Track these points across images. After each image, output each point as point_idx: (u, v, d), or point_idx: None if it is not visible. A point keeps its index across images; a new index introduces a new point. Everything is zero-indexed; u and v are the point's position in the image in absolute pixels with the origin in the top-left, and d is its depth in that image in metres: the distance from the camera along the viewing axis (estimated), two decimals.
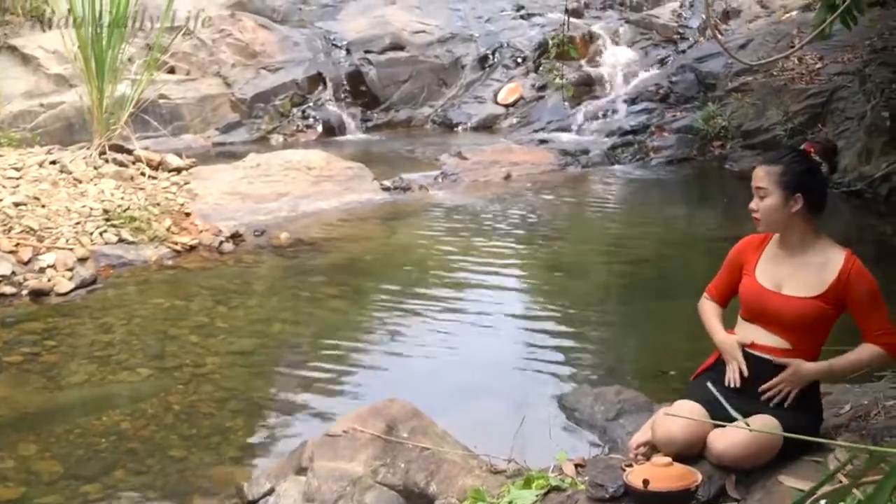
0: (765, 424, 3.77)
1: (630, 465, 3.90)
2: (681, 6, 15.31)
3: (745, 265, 4.13)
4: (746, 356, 3.99)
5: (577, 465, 4.12)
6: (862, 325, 3.90)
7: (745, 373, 3.94)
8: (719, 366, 4.07)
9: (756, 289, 4.02)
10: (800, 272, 3.95)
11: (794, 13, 13.87)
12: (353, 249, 8.53)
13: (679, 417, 3.85)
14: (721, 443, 3.78)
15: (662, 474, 3.61)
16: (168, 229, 8.37)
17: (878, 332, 3.87)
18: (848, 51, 11.72)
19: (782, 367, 3.90)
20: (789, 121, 11.28)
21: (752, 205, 3.97)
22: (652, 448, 4.06)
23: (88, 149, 9.51)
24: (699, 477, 3.65)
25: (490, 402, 5.57)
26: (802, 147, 4.06)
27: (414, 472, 4.16)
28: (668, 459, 3.73)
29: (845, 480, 3.29)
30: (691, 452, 3.85)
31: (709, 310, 4.23)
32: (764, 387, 3.88)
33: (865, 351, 3.89)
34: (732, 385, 3.96)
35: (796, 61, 12.07)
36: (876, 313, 3.88)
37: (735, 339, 4.04)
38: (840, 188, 10.16)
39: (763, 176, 3.93)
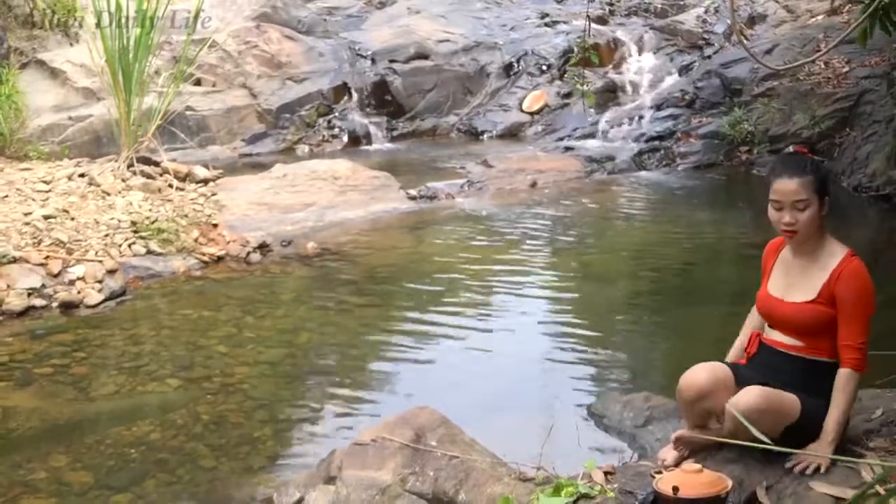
0: (789, 396, 3.89)
1: (660, 472, 3.88)
2: (706, 12, 15.26)
3: (765, 271, 4.18)
4: (766, 349, 4.10)
5: (606, 473, 4.11)
6: (839, 327, 3.91)
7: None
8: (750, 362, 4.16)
9: (765, 298, 4.13)
10: (804, 277, 4.02)
11: (820, 17, 13.81)
12: (379, 259, 8.54)
13: (705, 364, 4.07)
14: (739, 395, 3.87)
15: (692, 481, 3.59)
16: (196, 240, 8.40)
17: (846, 343, 3.89)
18: (875, 54, 11.65)
19: (797, 357, 3.98)
20: (816, 125, 11.22)
21: (788, 218, 3.96)
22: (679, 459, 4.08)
23: (116, 161, 9.58)
24: (729, 483, 3.64)
25: (518, 410, 5.56)
26: (797, 150, 4.11)
27: (443, 480, 4.16)
28: (699, 466, 3.71)
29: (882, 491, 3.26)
30: (711, 403, 4.02)
31: (746, 324, 4.34)
32: (794, 463, 3.88)
33: (840, 380, 3.88)
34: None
35: (823, 65, 12.01)
36: (853, 321, 3.90)
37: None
38: (868, 192, 10.10)
39: (799, 189, 3.92)
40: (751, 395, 3.85)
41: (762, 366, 4.08)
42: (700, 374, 4.06)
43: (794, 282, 4.04)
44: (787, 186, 3.95)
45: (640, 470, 4.16)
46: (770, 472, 3.88)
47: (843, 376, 3.87)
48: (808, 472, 3.80)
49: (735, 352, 4.32)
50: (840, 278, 3.90)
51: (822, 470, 3.80)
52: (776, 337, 4.08)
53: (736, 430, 3.91)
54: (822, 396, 3.89)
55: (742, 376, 4.04)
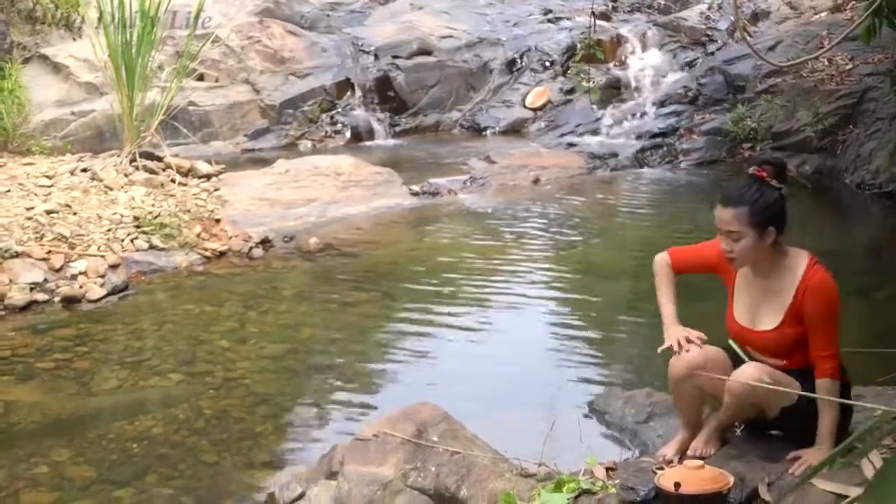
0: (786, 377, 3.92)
1: (661, 468, 3.89)
2: (709, 8, 15.24)
3: (724, 278, 4.17)
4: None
5: (608, 469, 4.12)
6: (810, 340, 3.90)
7: (678, 350, 4.10)
8: None
9: (735, 328, 4.12)
10: (767, 300, 4.00)
11: (824, 14, 13.79)
12: (382, 254, 8.54)
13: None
14: (742, 368, 3.92)
15: (694, 477, 3.60)
16: (198, 235, 8.41)
17: (818, 353, 3.88)
18: (878, 51, 11.62)
19: (787, 370, 3.98)
20: (819, 122, 11.21)
21: (724, 245, 3.95)
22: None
23: (119, 156, 9.58)
24: (731, 480, 3.64)
25: (520, 406, 5.56)
26: (753, 172, 3.98)
27: (444, 475, 4.16)
28: (700, 462, 3.72)
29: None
30: (702, 382, 4.06)
31: (665, 280, 4.31)
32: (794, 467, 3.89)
33: (820, 390, 3.87)
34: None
35: (826, 62, 11.99)
36: (823, 333, 3.89)
37: (681, 331, 4.17)
38: (871, 189, 10.10)
39: (731, 220, 3.89)
40: (753, 368, 3.91)
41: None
42: (691, 351, 4.09)
43: (759, 306, 4.03)
44: (720, 215, 3.95)
45: (642, 466, 4.16)
46: (772, 469, 3.88)
47: (823, 387, 3.87)
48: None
49: (670, 288, 4.32)
50: (805, 295, 3.88)
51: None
52: (757, 356, 4.09)
53: (737, 407, 3.95)
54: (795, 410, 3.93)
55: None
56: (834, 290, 3.91)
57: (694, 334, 4.17)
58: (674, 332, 4.20)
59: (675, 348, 4.14)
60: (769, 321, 3.99)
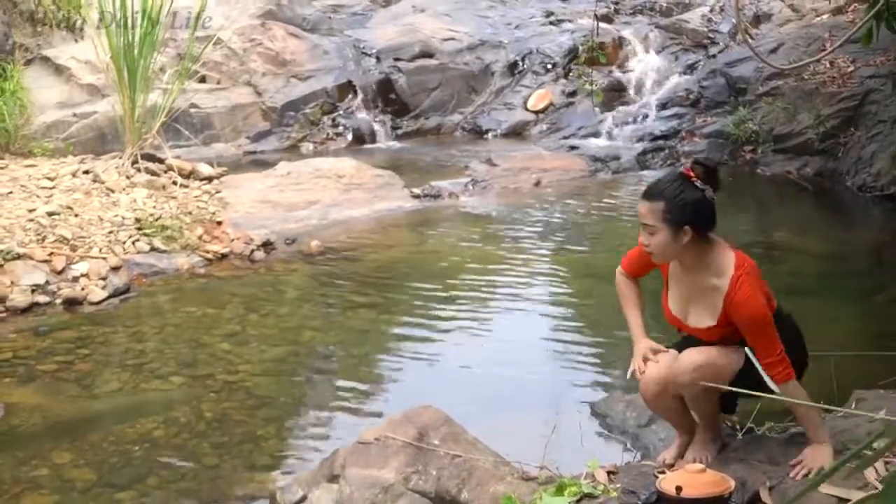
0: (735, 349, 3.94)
1: (663, 472, 3.88)
2: (711, 11, 15.24)
3: (660, 267, 4.17)
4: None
5: (609, 472, 4.12)
6: (752, 346, 3.88)
7: (642, 371, 4.15)
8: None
9: (670, 317, 4.14)
10: (697, 299, 3.99)
11: (825, 16, 13.78)
12: (383, 257, 8.54)
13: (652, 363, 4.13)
14: (678, 362, 3.99)
15: (695, 481, 3.59)
16: (200, 238, 8.41)
17: (765, 361, 3.85)
18: (880, 53, 11.62)
19: None
20: (821, 124, 11.20)
21: (643, 239, 3.95)
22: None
23: (121, 158, 9.59)
24: (732, 483, 3.63)
25: (521, 409, 5.56)
26: (681, 171, 3.95)
27: (445, 479, 4.16)
28: (702, 466, 3.71)
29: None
30: (675, 388, 4.05)
31: (628, 295, 4.36)
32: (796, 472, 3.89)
33: (783, 394, 3.85)
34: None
35: (828, 65, 11.98)
36: (760, 343, 3.86)
37: (646, 346, 4.19)
38: (873, 192, 10.09)
39: (647, 213, 3.88)
40: (686, 357, 3.96)
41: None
42: (649, 367, 4.11)
43: (690, 302, 4.02)
44: (639, 207, 3.96)
45: (644, 469, 4.16)
46: (773, 472, 3.88)
47: (783, 390, 3.84)
48: (811, 476, 3.80)
49: (636, 306, 4.37)
50: (731, 310, 3.85)
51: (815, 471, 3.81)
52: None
53: (696, 399, 4.03)
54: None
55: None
56: (758, 303, 3.84)
57: (659, 347, 4.20)
58: (641, 347, 4.22)
59: (638, 373, 4.16)
60: (702, 320, 3.97)
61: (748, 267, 3.89)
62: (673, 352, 4.12)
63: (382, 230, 9.34)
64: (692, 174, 3.88)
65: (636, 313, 4.32)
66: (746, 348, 3.96)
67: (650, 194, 3.92)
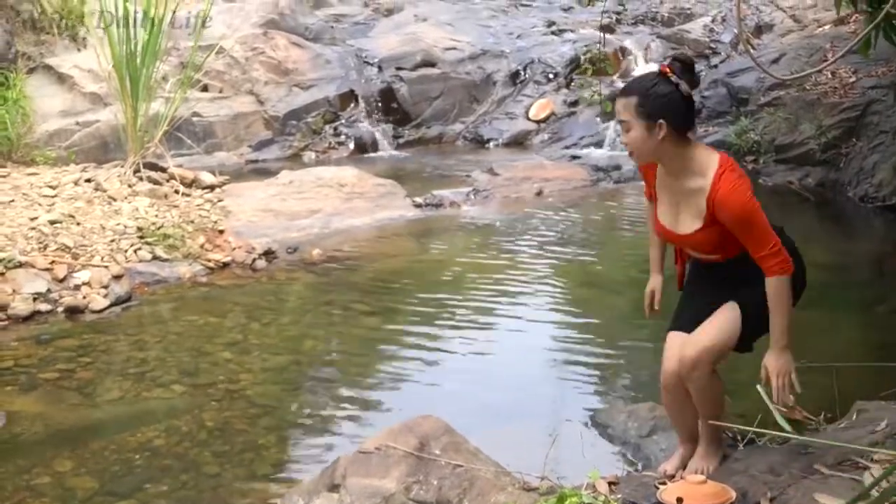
0: (730, 313, 4.00)
1: (664, 483, 3.88)
2: (713, 21, 15.27)
3: (646, 178, 4.22)
4: (691, 262, 4.24)
5: (610, 483, 4.11)
6: (743, 244, 3.88)
7: (656, 308, 4.42)
8: (691, 274, 4.29)
9: (660, 228, 4.13)
10: (683, 204, 3.97)
11: (827, 27, 13.80)
12: (385, 266, 8.54)
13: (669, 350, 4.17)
14: (683, 350, 4.04)
15: (696, 492, 3.59)
16: (201, 246, 8.41)
17: (759, 255, 3.83)
18: (882, 64, 11.63)
19: (718, 263, 4.05)
20: (823, 135, 11.21)
21: (622, 138, 3.98)
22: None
23: (123, 167, 9.60)
24: (733, 494, 3.63)
25: (523, 419, 5.55)
26: (658, 68, 3.93)
27: (447, 489, 4.16)
28: (703, 477, 3.71)
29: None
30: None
31: (651, 227, 4.34)
32: (771, 392, 3.93)
33: (770, 288, 3.86)
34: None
35: (830, 75, 12.00)
36: (751, 237, 3.84)
37: (655, 285, 4.43)
38: (875, 203, 10.10)
39: (622, 109, 3.88)
40: (691, 343, 4.01)
41: (696, 277, 4.22)
42: (669, 363, 4.16)
43: (678, 208, 4.00)
44: (615, 104, 3.98)
45: (645, 480, 4.16)
46: (774, 483, 3.87)
47: (773, 285, 3.84)
48: (775, 399, 3.89)
49: (658, 248, 4.42)
50: (716, 209, 3.83)
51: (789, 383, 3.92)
52: (691, 252, 4.15)
53: (702, 389, 4.05)
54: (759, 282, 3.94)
55: (695, 313, 4.14)
56: (742, 195, 3.81)
57: (657, 298, 4.41)
58: (650, 283, 4.45)
59: (646, 310, 4.43)
60: (689, 225, 3.95)
61: (731, 164, 3.88)
62: (679, 338, 4.16)
63: (384, 239, 9.34)
64: (668, 70, 3.86)
65: (655, 249, 4.43)
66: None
67: (625, 90, 3.93)
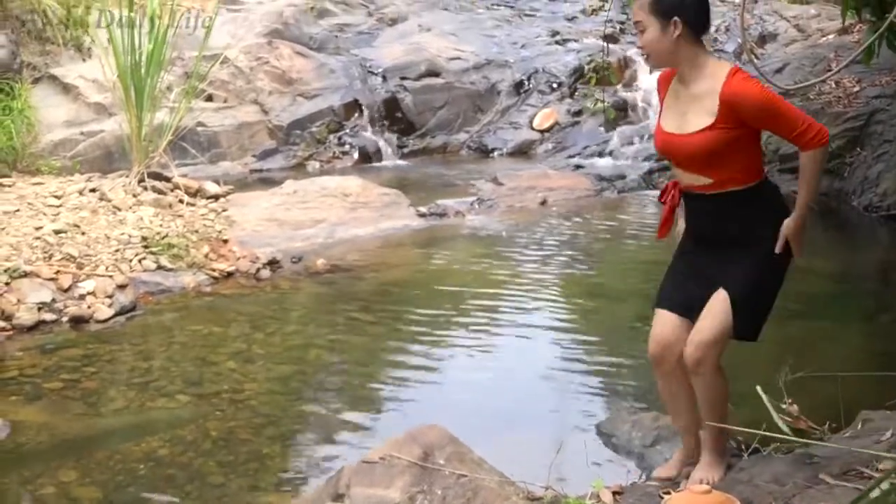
0: (722, 304, 4.03)
1: (668, 493, 3.88)
2: (716, 31, 15.28)
3: (662, 98, 4.22)
4: (686, 197, 4.18)
5: (614, 493, 4.11)
6: (776, 132, 3.99)
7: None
8: (680, 247, 4.37)
9: (660, 135, 4.13)
10: (693, 106, 3.97)
11: (831, 37, 13.81)
12: (389, 275, 8.54)
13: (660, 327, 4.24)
14: (685, 355, 4.08)
15: (701, 502, 3.58)
16: (206, 256, 8.42)
17: (794, 134, 3.87)
18: (885, 73, 11.64)
19: (718, 195, 4.03)
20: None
21: (639, 42, 4.01)
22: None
23: (127, 176, 9.61)
24: None
25: (527, 429, 5.55)
26: None
27: (451, 499, 4.16)
28: (707, 487, 3.70)
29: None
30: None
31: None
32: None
33: (806, 160, 3.95)
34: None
35: (833, 85, 12.00)
36: (780, 122, 3.89)
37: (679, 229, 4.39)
38: (879, 212, 10.09)
39: (637, 10, 3.93)
40: (693, 343, 4.06)
41: (692, 219, 4.23)
42: (657, 334, 4.24)
43: (686, 114, 4.01)
44: (633, 8, 4.01)
45: (649, 490, 4.16)
46: (779, 493, 3.87)
47: (809, 157, 3.93)
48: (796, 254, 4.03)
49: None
50: (734, 103, 3.84)
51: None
52: (687, 181, 4.13)
53: (706, 385, 4.12)
54: (755, 232, 4.04)
55: (686, 298, 4.17)
56: (758, 85, 3.90)
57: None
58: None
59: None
60: (696, 124, 3.96)
61: (743, 71, 3.94)
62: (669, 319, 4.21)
63: (388, 249, 9.35)
64: None
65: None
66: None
67: None
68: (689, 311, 4.14)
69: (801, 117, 3.86)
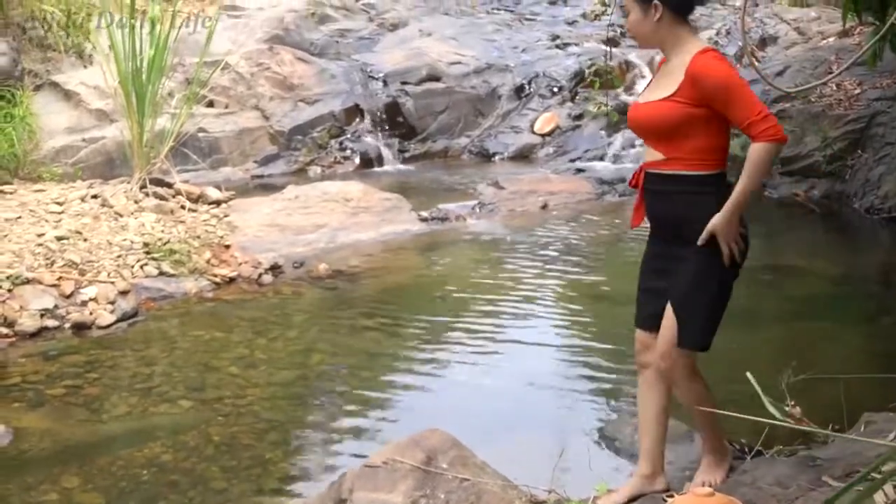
0: (671, 315, 4.11)
1: (671, 496, 3.88)
2: (717, 34, 15.29)
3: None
4: (645, 177, 4.20)
5: None
6: (729, 115, 3.89)
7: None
8: (651, 238, 4.38)
9: (632, 109, 4.18)
10: (664, 80, 4.01)
11: (832, 39, 13.82)
12: (391, 280, 8.55)
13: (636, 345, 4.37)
14: (659, 362, 4.17)
15: None
16: (208, 262, 8.43)
17: (747, 122, 3.84)
18: (886, 76, 11.65)
19: (668, 177, 4.04)
20: (828, 147, 11.21)
21: (626, 23, 4.07)
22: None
23: (129, 183, 9.62)
24: None
25: (530, 432, 5.55)
26: None
27: (454, 503, 4.16)
28: (710, 490, 3.70)
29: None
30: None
31: None
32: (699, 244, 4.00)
33: (753, 153, 3.86)
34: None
35: (834, 87, 12.00)
36: (736, 106, 3.85)
37: None
38: (880, 214, 10.09)
39: None
40: (658, 353, 4.16)
41: (646, 200, 4.26)
42: (635, 346, 4.38)
43: (658, 85, 4.05)
44: None
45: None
46: (782, 496, 3.87)
47: (757, 150, 3.85)
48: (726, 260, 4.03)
49: None
50: (695, 78, 3.86)
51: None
52: (647, 157, 4.15)
53: (686, 389, 4.16)
54: (693, 226, 4.00)
55: (650, 313, 4.25)
56: (723, 66, 3.90)
57: None
58: None
59: None
60: (658, 94, 4.00)
61: (716, 51, 3.97)
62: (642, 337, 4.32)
63: (390, 253, 9.35)
64: None
65: None
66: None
67: None
68: (656, 323, 4.19)
69: (758, 108, 3.84)
